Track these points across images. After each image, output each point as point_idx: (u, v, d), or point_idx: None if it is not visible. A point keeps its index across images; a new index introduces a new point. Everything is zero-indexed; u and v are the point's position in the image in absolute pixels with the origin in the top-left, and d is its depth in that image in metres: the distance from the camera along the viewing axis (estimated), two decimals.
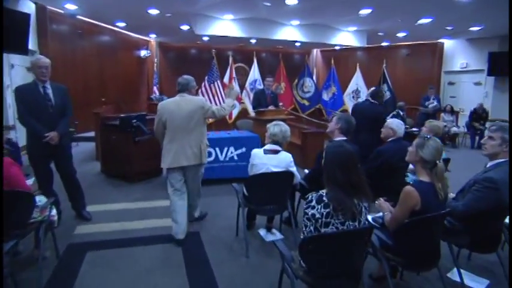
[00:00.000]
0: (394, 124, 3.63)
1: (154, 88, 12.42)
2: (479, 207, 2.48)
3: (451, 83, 12.25)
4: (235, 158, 5.48)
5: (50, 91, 3.63)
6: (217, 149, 5.36)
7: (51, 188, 3.72)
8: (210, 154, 5.30)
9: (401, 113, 8.99)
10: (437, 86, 12.26)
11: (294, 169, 3.23)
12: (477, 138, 9.71)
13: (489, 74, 10.81)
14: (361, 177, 1.97)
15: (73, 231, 3.71)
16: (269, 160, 3.18)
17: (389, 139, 3.63)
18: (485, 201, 2.46)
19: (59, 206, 3.73)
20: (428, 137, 2.36)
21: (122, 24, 9.84)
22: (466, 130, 10.05)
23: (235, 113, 9.80)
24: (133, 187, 5.31)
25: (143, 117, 5.22)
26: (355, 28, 10.11)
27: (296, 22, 9.41)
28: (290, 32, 9.83)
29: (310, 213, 1.95)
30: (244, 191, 3.32)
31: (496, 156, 2.63)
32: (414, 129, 9.43)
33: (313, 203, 1.96)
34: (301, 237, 2.00)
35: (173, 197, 3.61)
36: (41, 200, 2.98)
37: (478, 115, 9.91)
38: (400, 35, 10.65)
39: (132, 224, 3.96)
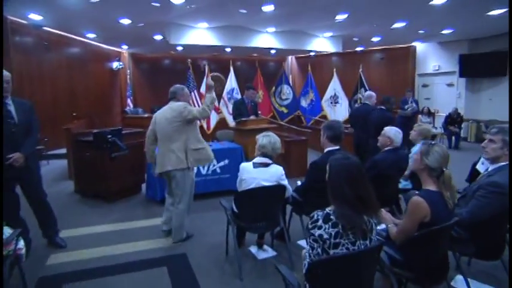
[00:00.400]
0: (392, 133, 3.50)
1: (128, 100, 12.01)
2: (484, 214, 2.36)
3: (425, 85, 12.50)
4: (218, 170, 5.25)
5: (11, 108, 3.29)
6: None
7: (17, 216, 3.36)
8: None
9: None
10: (412, 88, 12.46)
11: (285, 182, 3.04)
12: (453, 138, 9.90)
13: (461, 75, 11.10)
14: (370, 190, 1.80)
15: (45, 261, 3.34)
16: (259, 174, 2.98)
17: (386, 148, 3.51)
18: (490, 207, 2.35)
19: (28, 234, 3.38)
20: (432, 143, 2.22)
21: (92, 35, 9.45)
22: (442, 131, 10.22)
23: (213, 123, 9.59)
24: (112, 207, 4.97)
25: (119, 132, 4.91)
26: (330, 34, 10.13)
27: (272, 29, 9.33)
28: (266, 39, 9.74)
29: (317, 234, 1.75)
30: (234, 207, 3.10)
31: (498, 159, 2.54)
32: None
33: (320, 222, 1.76)
34: (307, 260, 1.80)
35: (167, 199, 4.00)
36: (4, 232, 2.64)
37: (453, 119, 10.11)
38: (375, 39, 10.78)
39: (112, 248, 3.64)
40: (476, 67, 10.67)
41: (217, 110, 9.56)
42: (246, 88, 6.55)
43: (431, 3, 6.73)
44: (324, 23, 8.64)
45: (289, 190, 3.09)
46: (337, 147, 3.15)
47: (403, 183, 3.89)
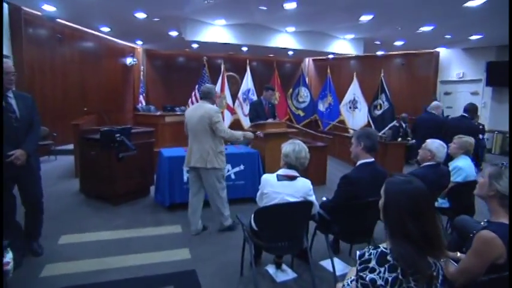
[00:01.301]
0: (434, 146, 3.09)
1: (141, 97, 11.73)
2: None
3: (447, 93, 11.97)
4: (233, 176, 4.89)
5: (13, 101, 3.00)
6: None
7: (13, 220, 3.05)
8: None
9: (404, 125, 8.60)
10: (433, 95, 11.97)
11: (313, 198, 2.65)
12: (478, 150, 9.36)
13: (487, 83, 10.56)
14: (438, 225, 1.41)
15: (39, 273, 3.00)
16: (284, 188, 2.60)
17: (426, 163, 3.10)
18: None
19: (21, 241, 3.07)
20: (505, 164, 1.82)
21: (106, 30, 9.20)
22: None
23: (226, 124, 9.24)
24: (116, 210, 4.64)
25: (128, 130, 4.59)
26: (352, 36, 9.72)
27: (292, 29, 8.96)
28: (285, 39, 9.38)
29: (368, 279, 1.36)
30: (253, 224, 2.72)
31: None
32: (414, 141, 9.04)
33: (373, 263, 1.38)
34: None
35: (189, 195, 4.00)
36: None
37: None
38: (398, 43, 10.32)
39: (115, 260, 3.29)
40: (504, 75, 10.10)
41: (232, 111, 9.22)
42: (265, 89, 6.18)
43: (465, 5, 6.29)
44: (347, 24, 8.24)
45: (316, 207, 2.71)
46: (372, 160, 2.76)
47: (440, 201, 3.49)
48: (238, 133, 3.98)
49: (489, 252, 1.66)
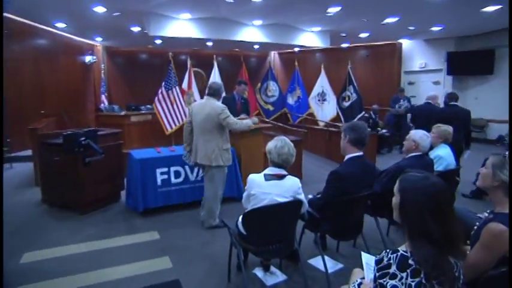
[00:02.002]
0: (418, 136, 3.05)
1: (103, 97, 11.17)
2: None
3: (411, 83, 12.28)
4: None
5: None
6: (186, 167, 4.53)
7: None
8: (178, 174, 4.48)
9: (374, 116, 8.72)
10: (397, 86, 12.28)
11: (302, 196, 2.53)
12: None
13: (448, 73, 10.95)
14: (459, 223, 1.31)
15: None
16: (272, 188, 2.45)
17: (411, 154, 3.06)
18: None
19: None
20: (507, 154, 1.76)
21: (62, 25, 8.58)
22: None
23: None
24: (86, 219, 4.31)
25: (94, 133, 4.26)
26: (319, 28, 9.70)
27: (259, 22, 8.79)
28: (252, 33, 9.19)
29: (390, 286, 1.24)
30: (240, 228, 2.55)
31: None
32: (384, 131, 9.23)
33: (393, 268, 1.26)
34: None
35: (206, 192, 3.99)
36: None
37: None
38: (363, 35, 10.43)
39: (88, 277, 3.00)
40: (463, 65, 10.55)
41: None
42: (238, 83, 6.02)
43: None
44: (314, 16, 8.18)
45: (305, 205, 2.58)
46: (361, 153, 2.67)
47: None
48: (248, 121, 4.08)
49: (500, 246, 1.60)
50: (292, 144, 2.55)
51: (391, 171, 2.98)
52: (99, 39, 10.93)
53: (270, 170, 2.54)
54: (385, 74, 12.47)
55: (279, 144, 2.54)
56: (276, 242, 2.50)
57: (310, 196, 2.89)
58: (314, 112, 10.46)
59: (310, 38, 10.06)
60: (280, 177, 2.48)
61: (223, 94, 4.25)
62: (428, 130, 5.31)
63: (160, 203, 4.38)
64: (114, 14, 7.44)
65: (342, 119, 9.89)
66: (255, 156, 4.91)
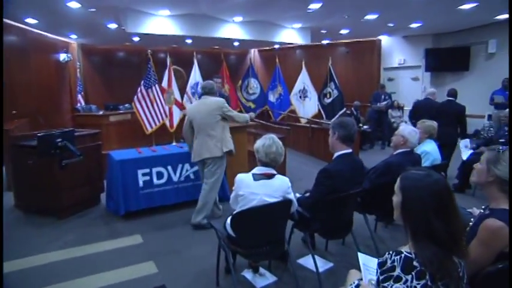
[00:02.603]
0: (406, 131, 3.03)
1: (79, 96, 10.81)
2: None
3: (390, 79, 12.45)
4: (192, 176, 4.56)
5: None
6: (169, 167, 4.39)
7: None
8: (161, 175, 4.34)
9: (355, 112, 8.77)
10: (377, 82, 12.43)
11: (291, 195, 2.46)
12: None
13: (426, 69, 11.14)
14: (462, 221, 1.27)
15: None
16: (261, 188, 2.37)
17: (399, 150, 3.04)
18: None
19: None
20: (501, 148, 1.74)
21: (33, 21, 8.21)
22: (411, 125, 10.14)
23: (176, 120, 8.81)
24: (64, 225, 4.12)
25: (71, 134, 4.07)
26: (299, 25, 9.67)
27: (239, 18, 8.67)
28: (232, 30, 9.07)
29: None
30: (229, 230, 2.47)
31: None
32: (366, 127, 9.31)
33: (398, 271, 1.20)
34: None
35: (204, 185, 4.02)
36: None
37: None
38: (343, 31, 10.47)
39: (69, 286, 2.85)
40: (440, 61, 10.76)
41: (181, 106, 8.79)
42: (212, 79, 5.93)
43: None
44: (296, 12, 8.14)
45: (295, 205, 2.52)
46: (350, 150, 2.63)
47: None
48: (246, 115, 4.30)
49: (497, 242, 1.58)
50: (280, 142, 2.47)
51: (380, 167, 2.96)
52: (73, 36, 10.56)
53: (258, 170, 2.46)
54: (365, 71, 12.59)
55: (267, 142, 2.46)
56: (266, 244, 2.42)
57: (298, 195, 2.82)
58: (296, 109, 10.47)
59: (291, 34, 10.03)
60: (269, 176, 2.40)
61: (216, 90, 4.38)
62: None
63: (142, 205, 4.23)
64: (90, 10, 7.18)
65: (324, 115, 9.93)
66: (240, 155, 4.82)
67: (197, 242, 3.60)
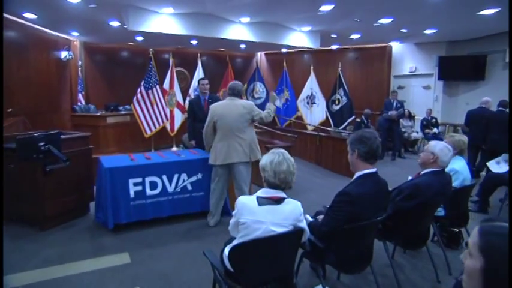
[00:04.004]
0: (438, 148, 2.61)
1: (79, 96, 10.46)
2: None
3: (400, 87, 12.02)
4: (189, 187, 4.15)
5: None
6: (164, 177, 3.98)
7: None
8: (155, 185, 3.93)
9: (365, 121, 8.35)
10: (387, 90, 12.02)
11: (304, 223, 2.04)
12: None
13: (439, 78, 10.71)
14: None
15: None
16: (268, 215, 1.95)
17: (429, 169, 2.61)
18: None
19: None
20: None
21: (31, 16, 7.88)
22: (422, 135, 9.73)
23: (177, 124, 8.44)
24: (45, 238, 3.72)
25: (56, 137, 3.68)
26: (309, 28, 9.29)
27: (246, 19, 8.30)
28: (238, 31, 8.70)
29: None
30: (227, 264, 2.05)
31: None
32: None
33: None
34: None
35: (215, 191, 3.95)
36: None
37: (429, 122, 9.71)
38: (354, 36, 10.07)
39: None
40: (454, 70, 10.34)
41: (183, 109, 8.43)
42: (198, 82, 5.69)
43: None
44: (306, 14, 7.76)
45: (307, 233, 2.10)
46: (374, 170, 2.21)
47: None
48: (271, 111, 4.02)
49: None
50: (292, 159, 2.04)
51: (406, 189, 2.53)
52: (75, 34, 10.22)
53: (264, 192, 2.03)
54: (374, 78, 12.18)
55: (276, 159, 2.02)
56: (271, 281, 2.01)
57: (309, 218, 2.39)
58: (302, 115, 10.09)
59: (299, 38, 9.65)
60: (278, 200, 1.98)
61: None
62: (481, 132, 6.12)
63: (133, 218, 3.83)
64: (90, 6, 6.83)
65: (332, 123, 9.54)
66: None
67: (191, 263, 3.18)
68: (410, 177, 3.36)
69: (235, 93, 3.92)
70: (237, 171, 3.83)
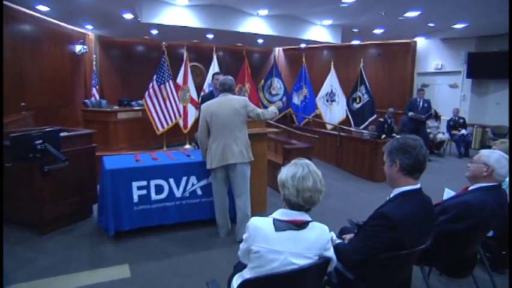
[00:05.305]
0: (493, 158, 2.16)
1: (94, 90, 10.29)
2: None
3: (424, 85, 11.38)
4: (199, 192, 3.80)
5: None
6: (171, 180, 3.65)
7: None
8: (161, 189, 3.61)
9: (389, 121, 7.85)
10: (410, 88, 11.44)
11: (331, 252, 1.65)
12: (463, 146, 8.84)
13: (468, 76, 10.07)
14: None
15: None
16: (287, 244, 1.54)
17: (481, 184, 2.18)
18: None
19: None
20: None
21: (44, 9, 7.68)
22: (449, 136, 9.14)
23: (191, 120, 8.13)
24: (43, 244, 3.44)
25: (55, 134, 3.38)
26: (330, 22, 8.81)
27: (264, 12, 7.90)
28: (256, 24, 8.30)
29: None
30: None
31: None
32: (399, 137, 8.34)
33: None
34: None
35: (215, 198, 3.65)
36: None
37: (456, 122, 9.12)
38: (377, 31, 9.54)
39: None
40: (484, 67, 9.69)
41: (197, 105, 8.10)
42: (211, 77, 5.38)
43: None
44: (327, 7, 7.30)
45: (334, 261, 1.70)
46: (419, 186, 1.79)
47: None
48: (273, 108, 3.80)
49: None
50: (319, 173, 1.63)
51: (453, 208, 2.09)
52: (89, 27, 10.02)
53: (283, 214, 1.61)
54: (397, 75, 11.62)
55: (300, 173, 1.59)
56: None
57: (336, 240, 1.99)
58: (321, 113, 9.64)
59: (320, 32, 9.19)
60: (300, 225, 1.57)
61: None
62: None
63: (136, 224, 3.52)
64: None
65: (352, 122, 9.06)
66: (258, 169, 4.04)
67: (197, 280, 2.83)
68: (447, 190, 2.93)
69: (226, 88, 3.62)
70: (234, 175, 3.50)
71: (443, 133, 9.09)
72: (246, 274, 1.63)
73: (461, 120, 9.28)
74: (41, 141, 3.20)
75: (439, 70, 10.94)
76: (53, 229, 3.67)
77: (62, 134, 3.56)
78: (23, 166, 3.45)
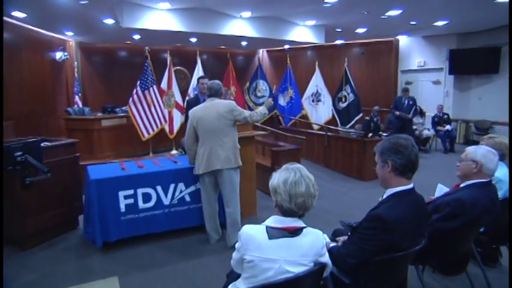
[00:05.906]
0: (480, 154, 2.15)
1: (76, 98, 10.06)
2: None
3: (408, 83, 11.54)
4: (187, 199, 3.73)
5: None
6: (158, 188, 3.57)
7: None
8: (148, 197, 3.52)
9: (375, 119, 7.90)
10: (394, 86, 11.57)
11: (326, 257, 1.61)
12: (448, 141, 8.98)
13: (450, 72, 10.23)
14: None
15: None
16: (281, 251, 1.50)
17: (471, 181, 2.17)
18: None
19: None
20: None
21: (21, 15, 7.47)
22: (434, 132, 9.26)
23: (177, 125, 8.02)
24: (26, 259, 3.31)
25: (35, 145, 3.27)
26: (313, 22, 8.84)
27: (247, 14, 7.87)
28: (239, 26, 8.27)
29: None
30: None
31: None
32: (385, 135, 8.40)
33: None
34: None
35: (204, 204, 3.61)
36: None
37: (440, 118, 9.26)
38: (360, 30, 9.62)
39: None
40: (466, 63, 9.85)
41: (182, 110, 8.00)
42: (197, 81, 5.34)
43: None
44: (310, 7, 7.31)
45: (330, 266, 1.66)
46: (411, 186, 1.76)
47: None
48: (263, 108, 3.82)
49: None
50: (311, 177, 1.59)
51: (446, 206, 2.08)
52: (70, 33, 9.82)
53: (276, 221, 1.57)
54: (381, 73, 11.75)
55: (292, 177, 1.56)
56: None
57: (330, 243, 1.94)
58: (308, 114, 9.64)
59: (303, 33, 9.21)
60: (295, 232, 1.53)
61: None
62: None
63: (124, 234, 3.42)
64: (81, 2, 6.42)
65: (338, 121, 9.09)
66: (247, 173, 3.99)
67: (195, 280, 2.76)
68: (440, 185, 2.93)
69: (213, 93, 3.58)
70: (222, 181, 3.45)
71: (429, 129, 9.21)
72: (240, 285, 1.57)
73: (446, 116, 9.43)
74: (20, 152, 3.09)
75: (421, 67, 11.08)
76: (37, 243, 3.54)
77: (43, 144, 3.45)
78: (3, 179, 3.32)
